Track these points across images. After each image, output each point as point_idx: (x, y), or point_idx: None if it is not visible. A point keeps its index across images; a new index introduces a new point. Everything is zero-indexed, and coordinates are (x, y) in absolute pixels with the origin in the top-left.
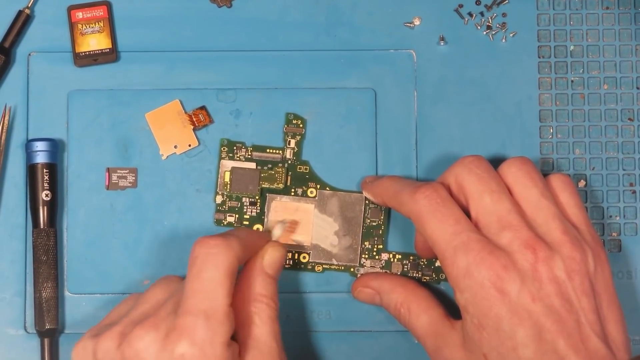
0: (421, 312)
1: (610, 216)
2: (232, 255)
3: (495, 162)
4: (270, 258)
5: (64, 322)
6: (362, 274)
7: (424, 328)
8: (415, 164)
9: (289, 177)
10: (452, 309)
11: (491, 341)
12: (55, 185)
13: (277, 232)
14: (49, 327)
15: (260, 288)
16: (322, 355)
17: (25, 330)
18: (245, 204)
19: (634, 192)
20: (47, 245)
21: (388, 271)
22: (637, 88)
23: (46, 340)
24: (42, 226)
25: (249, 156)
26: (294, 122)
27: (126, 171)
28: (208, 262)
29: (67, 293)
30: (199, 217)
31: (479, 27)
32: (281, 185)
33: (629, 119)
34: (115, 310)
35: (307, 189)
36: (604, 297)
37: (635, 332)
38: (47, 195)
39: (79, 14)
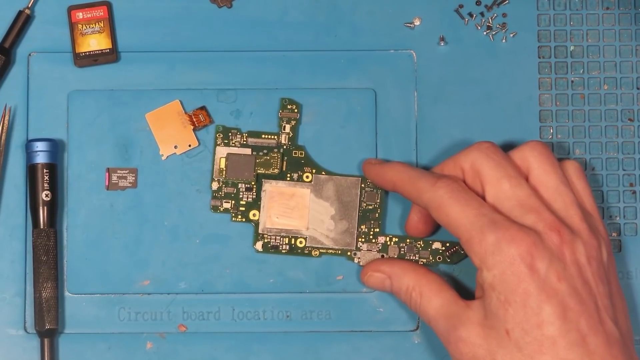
0: (433, 295)
1: (611, 216)
2: None
3: None
4: None
5: (64, 322)
6: (373, 260)
7: (437, 310)
8: (415, 164)
9: (284, 163)
10: (461, 292)
11: (516, 317)
12: (55, 185)
13: None
14: (49, 327)
15: None
16: (322, 355)
17: (25, 330)
18: (241, 189)
19: (634, 192)
20: (47, 245)
21: (385, 254)
22: (637, 88)
23: (46, 341)
24: (42, 226)
25: (244, 142)
26: (289, 107)
27: (126, 171)
28: None
29: (67, 293)
30: (199, 217)
31: (479, 28)
32: (276, 171)
33: (629, 120)
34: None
35: (303, 174)
36: (613, 287)
37: (635, 332)
38: (47, 196)
39: (79, 14)
